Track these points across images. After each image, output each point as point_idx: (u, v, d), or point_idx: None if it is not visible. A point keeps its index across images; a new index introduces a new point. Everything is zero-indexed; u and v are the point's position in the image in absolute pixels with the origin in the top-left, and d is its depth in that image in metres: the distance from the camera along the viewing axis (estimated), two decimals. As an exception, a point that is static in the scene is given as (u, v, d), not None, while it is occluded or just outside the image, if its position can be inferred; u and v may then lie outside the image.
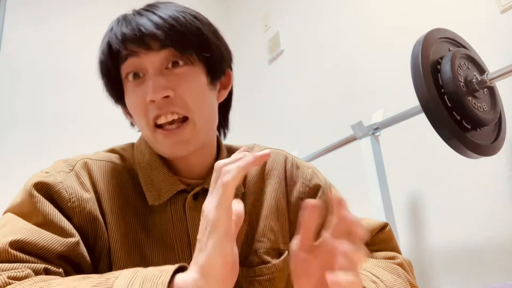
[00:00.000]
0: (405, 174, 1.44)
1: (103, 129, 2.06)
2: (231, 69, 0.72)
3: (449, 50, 1.03)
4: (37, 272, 0.49)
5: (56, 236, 0.53)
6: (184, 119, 0.62)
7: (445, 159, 1.30)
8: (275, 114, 2.21)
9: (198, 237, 0.44)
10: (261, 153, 0.44)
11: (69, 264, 0.54)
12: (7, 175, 1.83)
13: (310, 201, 0.46)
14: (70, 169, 0.62)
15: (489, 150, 1.00)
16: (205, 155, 0.68)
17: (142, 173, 0.65)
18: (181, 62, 0.62)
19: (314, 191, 0.72)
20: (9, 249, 0.49)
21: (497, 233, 1.15)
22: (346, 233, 0.44)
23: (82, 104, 2.15)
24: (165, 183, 0.64)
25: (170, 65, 0.62)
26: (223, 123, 0.76)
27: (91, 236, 0.58)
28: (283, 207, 0.70)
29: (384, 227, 0.71)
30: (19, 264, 0.48)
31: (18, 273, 0.47)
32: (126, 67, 0.63)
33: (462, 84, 0.97)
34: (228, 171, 0.43)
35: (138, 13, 0.63)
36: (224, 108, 0.75)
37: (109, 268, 0.58)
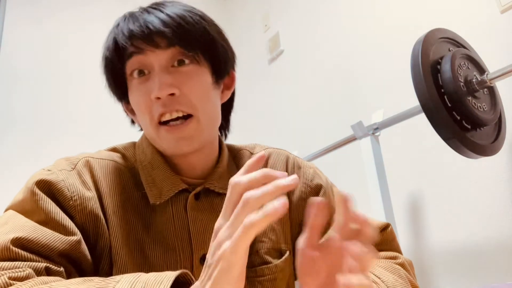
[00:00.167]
0: (405, 174, 1.44)
1: (102, 129, 2.06)
2: (234, 70, 0.72)
3: (449, 50, 1.03)
4: (38, 272, 0.49)
5: (58, 234, 0.53)
6: (188, 116, 0.62)
7: (445, 159, 1.30)
8: (275, 114, 2.21)
9: (208, 257, 0.42)
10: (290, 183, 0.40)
11: (70, 262, 0.54)
12: (6, 175, 1.83)
13: (316, 199, 0.44)
14: (72, 168, 0.62)
15: (489, 150, 1.00)
16: (207, 154, 0.68)
17: (143, 172, 0.65)
18: (187, 61, 0.62)
19: (315, 191, 0.72)
20: (11, 247, 0.49)
21: (497, 233, 1.16)
22: (355, 233, 0.44)
23: (81, 103, 2.15)
24: (166, 182, 0.64)
25: (176, 63, 0.62)
26: (224, 124, 0.77)
27: (93, 235, 0.58)
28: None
29: (386, 227, 0.71)
30: (20, 262, 0.48)
31: (19, 273, 0.47)
32: (132, 64, 0.63)
33: (462, 84, 0.97)
34: (254, 200, 0.38)
35: (146, 10, 0.63)
36: (226, 109, 0.75)
37: (110, 267, 0.58)
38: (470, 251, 1.21)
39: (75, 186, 0.59)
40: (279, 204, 0.37)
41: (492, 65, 1.08)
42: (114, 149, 0.70)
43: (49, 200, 0.56)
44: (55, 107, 2.09)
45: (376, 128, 1.35)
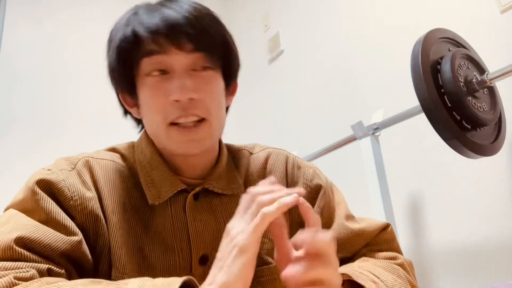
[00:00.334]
0: (405, 174, 1.44)
1: (102, 128, 2.06)
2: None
3: (449, 50, 1.03)
4: (41, 273, 0.49)
5: (59, 234, 0.53)
6: (201, 120, 0.62)
7: (445, 159, 1.30)
8: (275, 114, 2.21)
9: (219, 255, 0.46)
10: (299, 191, 0.48)
11: (71, 263, 0.54)
12: (6, 174, 1.83)
13: (276, 220, 0.47)
14: (72, 167, 0.61)
15: (489, 150, 1.00)
16: (207, 155, 0.68)
17: (142, 172, 0.65)
18: (207, 66, 0.63)
19: (315, 191, 0.72)
20: (14, 246, 0.49)
21: (497, 233, 1.15)
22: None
23: (81, 103, 2.15)
24: (165, 182, 0.64)
25: (197, 68, 0.62)
26: None
27: (92, 235, 0.58)
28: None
29: (386, 227, 0.71)
30: (23, 263, 0.49)
31: (23, 274, 0.47)
32: (152, 63, 0.61)
33: (462, 84, 0.97)
34: (267, 201, 0.45)
35: (164, 5, 0.62)
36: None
37: (109, 268, 0.58)
38: (470, 251, 1.21)
39: (76, 186, 0.59)
40: (291, 198, 0.46)
41: (492, 65, 1.08)
42: (113, 149, 0.70)
43: (50, 199, 0.56)
44: (55, 106, 2.09)
45: (376, 128, 1.35)
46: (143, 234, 0.61)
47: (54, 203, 0.56)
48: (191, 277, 0.47)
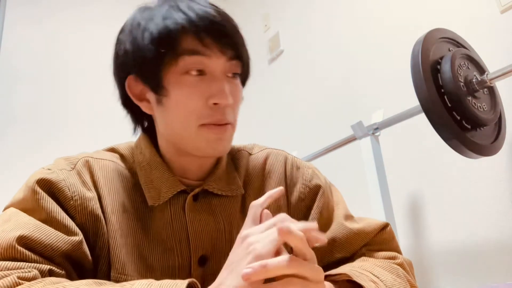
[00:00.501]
0: (405, 174, 1.44)
1: (102, 128, 2.06)
2: None
3: (449, 50, 1.03)
4: (42, 273, 0.49)
5: (60, 233, 0.54)
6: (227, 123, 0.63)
7: (445, 159, 1.30)
8: (275, 114, 2.21)
9: (231, 258, 0.47)
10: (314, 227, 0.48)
11: (72, 263, 0.54)
12: (6, 174, 1.83)
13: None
14: (72, 167, 0.61)
15: (489, 150, 0.99)
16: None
17: (142, 173, 0.65)
18: (237, 73, 0.65)
19: (314, 191, 0.71)
20: (16, 246, 0.49)
21: (497, 233, 1.15)
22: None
23: (81, 103, 2.15)
24: (165, 183, 0.64)
25: (230, 75, 0.64)
26: None
27: (92, 235, 0.58)
28: (284, 207, 0.70)
29: (385, 227, 0.71)
30: (25, 263, 0.49)
31: (26, 274, 0.47)
32: (193, 62, 0.60)
33: (462, 84, 0.97)
34: (295, 227, 0.46)
35: (206, 6, 0.62)
36: None
37: (108, 268, 0.58)
38: (470, 251, 1.21)
39: (76, 186, 0.59)
40: (314, 225, 0.48)
41: (492, 65, 1.08)
42: (112, 150, 0.70)
43: (50, 199, 0.56)
44: (54, 106, 2.09)
45: (376, 128, 1.35)
46: (142, 235, 0.61)
47: (55, 203, 0.56)
48: (194, 279, 0.47)
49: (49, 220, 0.54)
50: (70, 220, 0.56)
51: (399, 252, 0.70)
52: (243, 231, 0.49)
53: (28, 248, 0.50)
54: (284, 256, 0.44)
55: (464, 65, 1.01)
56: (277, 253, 0.46)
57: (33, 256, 0.50)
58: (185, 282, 0.46)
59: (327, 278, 0.56)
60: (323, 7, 1.94)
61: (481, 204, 1.20)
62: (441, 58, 0.99)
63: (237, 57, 0.63)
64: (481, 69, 1.05)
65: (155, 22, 0.60)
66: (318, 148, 1.60)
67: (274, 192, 0.55)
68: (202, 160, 0.67)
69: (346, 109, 1.73)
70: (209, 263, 0.62)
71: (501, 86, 1.11)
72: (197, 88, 0.60)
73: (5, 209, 0.58)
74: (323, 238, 0.48)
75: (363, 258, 0.67)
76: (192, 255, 0.61)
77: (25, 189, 0.57)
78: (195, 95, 0.60)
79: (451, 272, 1.26)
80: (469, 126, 0.96)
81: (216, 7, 0.64)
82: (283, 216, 0.50)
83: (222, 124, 0.62)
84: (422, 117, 0.99)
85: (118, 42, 0.66)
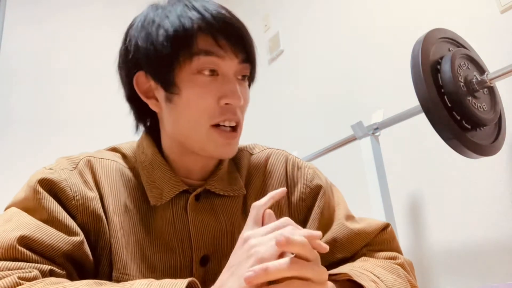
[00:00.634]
0: (405, 174, 1.44)
1: (102, 128, 2.06)
2: None
3: (449, 50, 1.03)
4: (43, 273, 0.49)
5: (61, 234, 0.54)
6: (235, 125, 0.64)
7: (445, 159, 1.30)
8: (275, 114, 2.21)
9: (232, 260, 0.47)
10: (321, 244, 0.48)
11: (73, 263, 0.54)
12: (6, 174, 1.83)
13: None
14: (73, 167, 0.61)
15: (489, 150, 1.00)
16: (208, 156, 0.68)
17: (144, 172, 0.65)
18: (246, 75, 0.66)
19: (315, 191, 0.72)
20: (17, 246, 0.49)
21: (497, 233, 1.15)
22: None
23: (81, 103, 2.15)
24: (167, 183, 0.64)
25: (240, 77, 0.65)
26: None
27: (93, 235, 0.58)
28: (284, 207, 0.70)
29: (385, 227, 0.71)
30: (26, 263, 0.49)
31: (27, 274, 0.47)
32: (207, 62, 0.61)
33: (462, 84, 0.97)
34: (298, 233, 0.46)
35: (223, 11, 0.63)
36: None
37: (110, 268, 0.58)
38: (470, 251, 1.21)
39: (78, 185, 0.59)
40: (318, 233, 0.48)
41: (492, 65, 1.08)
42: (114, 149, 0.70)
43: (52, 199, 0.56)
44: (54, 107, 2.09)
45: (376, 128, 1.35)
46: (144, 235, 0.61)
47: (56, 203, 0.56)
48: (194, 279, 0.47)
49: (51, 220, 0.54)
50: (72, 220, 0.56)
51: (399, 252, 0.70)
52: (245, 233, 0.49)
53: (29, 248, 0.50)
54: (286, 259, 0.44)
55: (464, 65, 1.01)
56: (281, 255, 0.46)
57: (34, 256, 0.50)
58: (185, 281, 0.46)
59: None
60: (323, 7, 1.94)
61: (481, 204, 1.20)
62: (441, 58, 0.99)
63: (248, 60, 0.64)
64: (481, 69, 1.05)
65: (171, 20, 0.60)
66: (318, 148, 1.60)
67: (276, 193, 0.55)
68: (206, 160, 0.68)
69: (346, 109, 1.73)
70: (210, 263, 0.62)
71: (501, 86, 1.11)
72: (210, 88, 0.61)
73: (6, 208, 0.58)
74: (325, 247, 0.48)
75: (363, 258, 0.67)
76: (194, 255, 0.62)
77: (27, 188, 0.57)
78: (208, 95, 0.61)
79: (451, 272, 1.26)
80: (469, 126, 0.96)
81: (226, 8, 0.64)
82: (286, 220, 0.50)
83: (232, 129, 0.63)
84: (422, 117, 0.99)
85: (128, 37, 0.66)
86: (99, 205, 0.59)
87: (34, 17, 2.18)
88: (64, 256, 0.53)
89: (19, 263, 0.48)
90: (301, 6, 2.10)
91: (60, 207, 0.56)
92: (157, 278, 0.49)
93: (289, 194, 0.71)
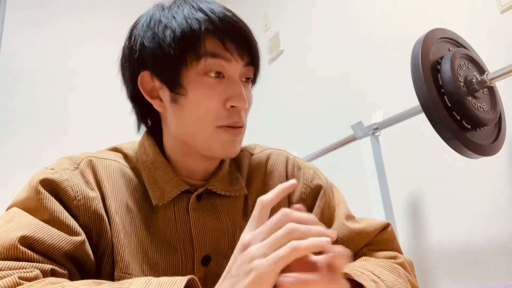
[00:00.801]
0: (405, 174, 1.44)
1: (102, 129, 2.06)
2: None
3: (449, 50, 1.03)
4: (44, 273, 0.49)
5: (63, 234, 0.54)
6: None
7: (445, 159, 1.30)
8: (275, 114, 2.21)
9: (232, 271, 0.44)
10: (332, 235, 0.45)
11: (74, 263, 0.55)
12: (7, 175, 1.83)
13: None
14: (75, 167, 0.61)
15: (489, 150, 1.00)
16: (209, 156, 0.68)
17: (145, 172, 0.65)
18: (250, 78, 0.67)
19: (315, 191, 0.72)
20: (18, 246, 0.49)
21: (497, 233, 1.16)
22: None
23: (81, 104, 2.15)
24: (169, 183, 0.64)
25: (244, 79, 0.65)
26: None
27: (95, 235, 0.58)
28: (285, 207, 0.70)
29: (386, 227, 0.71)
30: (27, 263, 0.49)
31: (28, 274, 0.47)
32: (214, 64, 0.61)
33: (462, 84, 0.97)
34: (300, 234, 0.43)
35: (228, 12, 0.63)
36: None
37: (112, 268, 0.58)
38: (470, 251, 1.22)
39: (79, 185, 0.59)
40: (325, 240, 0.43)
41: (492, 65, 1.08)
42: (115, 149, 0.70)
43: (53, 199, 0.56)
44: (55, 108, 2.09)
45: (376, 128, 1.35)
46: (146, 234, 0.61)
47: (58, 203, 0.56)
48: (193, 276, 0.47)
49: (52, 220, 0.54)
50: (73, 220, 0.56)
51: (400, 252, 0.70)
52: (245, 235, 0.47)
53: (30, 248, 0.50)
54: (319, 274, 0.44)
55: (464, 65, 1.01)
56: (300, 260, 0.43)
57: (35, 256, 0.50)
58: (184, 279, 0.45)
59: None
60: (323, 7, 1.94)
61: (481, 204, 1.20)
62: (441, 58, 0.99)
63: (252, 63, 0.65)
64: (481, 69, 1.05)
65: (178, 21, 0.60)
66: (318, 148, 1.61)
67: (285, 186, 0.49)
68: (208, 161, 0.68)
69: (346, 109, 1.73)
70: (212, 263, 0.62)
71: (501, 86, 1.11)
72: (216, 90, 0.61)
73: (8, 209, 0.58)
74: (332, 232, 0.46)
75: (364, 258, 0.67)
76: (195, 254, 0.62)
77: (28, 189, 0.57)
78: (214, 96, 0.61)
79: (451, 272, 1.26)
80: (469, 126, 0.96)
81: (231, 10, 0.65)
82: (285, 217, 0.45)
83: (237, 127, 0.63)
84: (422, 117, 0.99)
85: (133, 36, 0.65)
86: (101, 205, 0.59)
87: (34, 19, 2.19)
88: (65, 256, 0.53)
89: (21, 262, 0.48)
90: (301, 6, 2.10)
91: (62, 207, 0.56)
92: (158, 277, 0.49)
93: (289, 194, 0.72)
